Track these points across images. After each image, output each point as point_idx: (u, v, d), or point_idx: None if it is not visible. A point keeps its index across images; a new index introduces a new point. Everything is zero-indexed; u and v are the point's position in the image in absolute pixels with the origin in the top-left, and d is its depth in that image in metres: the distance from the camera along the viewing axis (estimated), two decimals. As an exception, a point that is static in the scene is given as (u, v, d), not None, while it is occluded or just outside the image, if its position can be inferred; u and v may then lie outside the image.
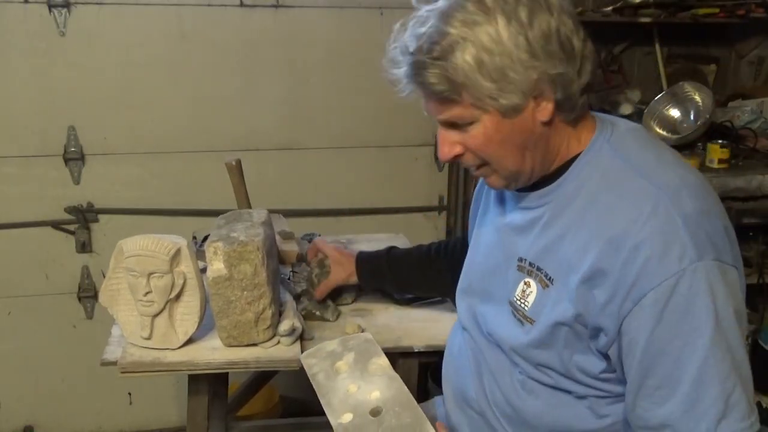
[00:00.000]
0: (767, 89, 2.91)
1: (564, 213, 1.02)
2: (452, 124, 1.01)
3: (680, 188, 0.95)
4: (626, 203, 0.95)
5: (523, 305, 1.07)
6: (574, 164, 1.03)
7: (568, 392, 1.06)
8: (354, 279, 1.58)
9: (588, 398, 1.05)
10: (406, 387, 1.09)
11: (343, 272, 1.58)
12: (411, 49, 0.97)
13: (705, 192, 0.98)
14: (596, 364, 1.01)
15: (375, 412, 1.06)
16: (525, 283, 1.07)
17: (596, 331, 0.98)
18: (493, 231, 1.18)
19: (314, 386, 1.12)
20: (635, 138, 1.04)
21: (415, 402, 1.07)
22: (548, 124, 0.99)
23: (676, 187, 0.95)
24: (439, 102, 0.99)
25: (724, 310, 0.90)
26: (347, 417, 1.07)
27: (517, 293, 1.08)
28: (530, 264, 1.06)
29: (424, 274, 1.55)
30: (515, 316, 1.09)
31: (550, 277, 1.03)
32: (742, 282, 0.96)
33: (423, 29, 0.96)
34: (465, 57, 0.93)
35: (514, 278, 1.09)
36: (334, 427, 1.06)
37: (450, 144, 1.03)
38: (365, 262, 1.58)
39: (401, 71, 1.00)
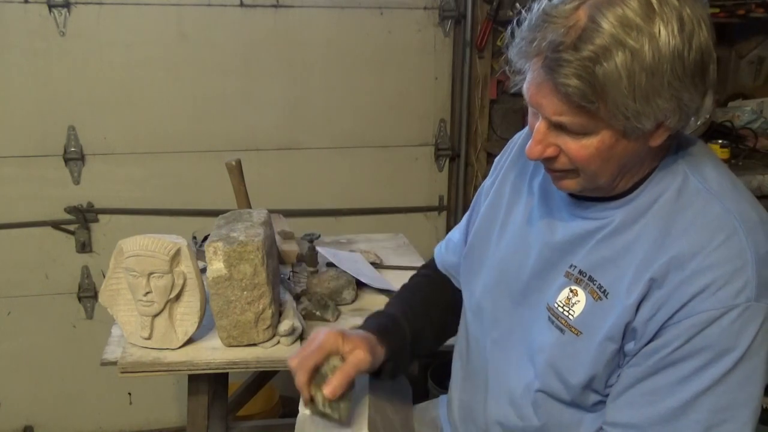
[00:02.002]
0: (767, 89, 2.91)
1: (632, 227, 0.97)
2: (562, 127, 0.91)
3: (758, 224, 0.92)
4: (700, 225, 0.91)
5: (566, 313, 1.01)
6: (649, 178, 0.97)
7: (580, 406, 1.03)
8: (377, 360, 1.07)
9: (597, 407, 1.03)
10: (368, 380, 1.09)
11: (363, 352, 1.03)
12: (555, 41, 0.84)
13: None
14: (617, 370, 0.99)
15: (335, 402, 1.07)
16: (571, 291, 1.02)
17: (632, 337, 0.96)
18: (527, 228, 1.10)
19: None
20: (709, 159, 0.99)
21: (367, 400, 1.06)
22: (654, 148, 0.93)
23: (754, 222, 0.92)
24: (564, 102, 0.88)
25: (755, 352, 0.89)
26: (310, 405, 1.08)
27: (559, 299, 1.02)
28: (581, 272, 1.01)
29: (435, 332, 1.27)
30: (553, 322, 1.03)
31: (604, 290, 0.98)
32: None
33: (571, 19, 0.84)
34: (618, 65, 0.81)
35: (558, 283, 1.04)
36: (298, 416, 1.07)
37: (546, 145, 0.93)
38: (385, 331, 1.12)
39: (533, 62, 0.88)
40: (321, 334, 1.03)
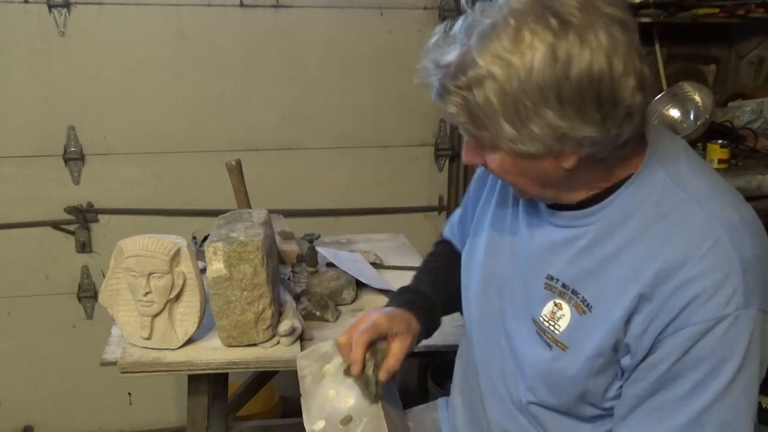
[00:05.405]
0: (767, 89, 2.91)
1: (611, 238, 0.96)
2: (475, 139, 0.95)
3: (741, 227, 0.91)
4: (684, 235, 0.90)
5: (552, 328, 1.01)
6: (623, 188, 0.96)
7: (578, 417, 1.03)
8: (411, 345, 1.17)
9: (596, 419, 1.03)
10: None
11: (405, 335, 1.14)
12: (441, 65, 0.89)
13: (762, 234, 0.93)
14: (616, 384, 0.99)
15: (345, 421, 1.06)
16: (556, 305, 1.01)
17: (626, 352, 0.96)
18: (512, 233, 1.11)
19: (300, 389, 1.12)
20: (689, 162, 0.97)
21: (382, 413, 1.06)
22: (572, 170, 0.93)
23: (737, 226, 0.91)
24: (458, 124, 0.94)
25: (751, 360, 0.89)
26: (320, 424, 1.06)
27: (544, 313, 1.02)
28: (564, 286, 1.00)
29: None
30: (542, 337, 1.03)
31: (588, 303, 0.97)
32: None
33: (456, 51, 0.88)
34: (488, 95, 0.86)
35: (540, 296, 1.03)
36: None
37: (472, 154, 0.98)
38: (418, 305, 1.21)
39: (430, 83, 0.93)
40: (373, 315, 1.12)
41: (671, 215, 0.92)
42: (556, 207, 1.02)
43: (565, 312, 1.00)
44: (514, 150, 0.90)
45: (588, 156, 0.91)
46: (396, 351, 1.10)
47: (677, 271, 0.89)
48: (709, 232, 0.90)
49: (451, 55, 0.88)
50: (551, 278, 1.02)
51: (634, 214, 0.95)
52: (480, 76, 0.85)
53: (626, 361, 0.96)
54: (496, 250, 1.14)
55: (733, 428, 0.90)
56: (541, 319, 1.03)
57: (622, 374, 0.97)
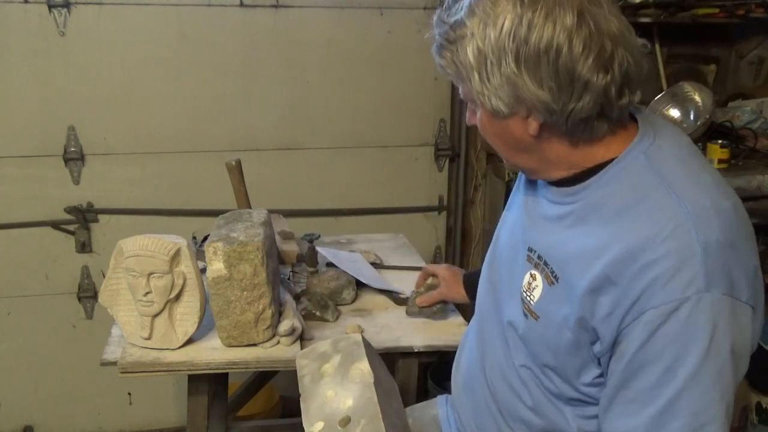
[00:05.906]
0: (767, 89, 2.91)
1: (590, 218, 0.99)
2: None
3: (709, 213, 0.91)
4: (650, 218, 0.92)
5: (528, 298, 1.05)
6: (603, 172, 0.99)
7: (559, 394, 1.05)
8: (459, 298, 1.62)
9: (575, 403, 1.04)
10: (376, 397, 1.06)
11: (445, 287, 1.62)
12: (443, 22, 1.00)
13: (738, 223, 0.93)
14: (593, 371, 1.00)
15: (344, 422, 1.05)
16: (531, 276, 1.06)
17: (595, 337, 0.97)
18: (518, 212, 1.16)
19: (300, 389, 1.12)
20: (676, 153, 0.98)
21: (380, 415, 1.06)
22: (538, 138, 0.99)
23: (705, 211, 0.91)
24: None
25: (719, 346, 0.88)
26: (318, 426, 1.06)
27: (524, 283, 1.07)
28: (539, 257, 1.05)
29: None
30: (520, 307, 1.07)
31: (555, 275, 1.01)
32: (757, 324, 0.93)
33: (454, 15, 0.99)
34: (468, 51, 0.96)
35: (522, 267, 1.08)
36: None
37: (470, 113, 1.06)
38: (470, 276, 1.58)
39: (433, 35, 1.03)
40: (444, 266, 1.68)
41: (643, 200, 0.94)
42: (552, 182, 1.06)
43: (539, 282, 1.04)
44: (484, 105, 0.99)
45: (550, 125, 0.97)
46: (433, 293, 1.62)
47: (640, 254, 0.90)
48: (674, 216, 0.90)
49: (452, 17, 0.98)
50: (531, 250, 1.07)
51: (612, 198, 0.97)
52: (464, 34, 0.96)
53: (597, 348, 0.97)
54: (502, 229, 1.21)
55: (705, 418, 0.89)
56: (522, 289, 1.07)
57: (599, 363, 0.99)
